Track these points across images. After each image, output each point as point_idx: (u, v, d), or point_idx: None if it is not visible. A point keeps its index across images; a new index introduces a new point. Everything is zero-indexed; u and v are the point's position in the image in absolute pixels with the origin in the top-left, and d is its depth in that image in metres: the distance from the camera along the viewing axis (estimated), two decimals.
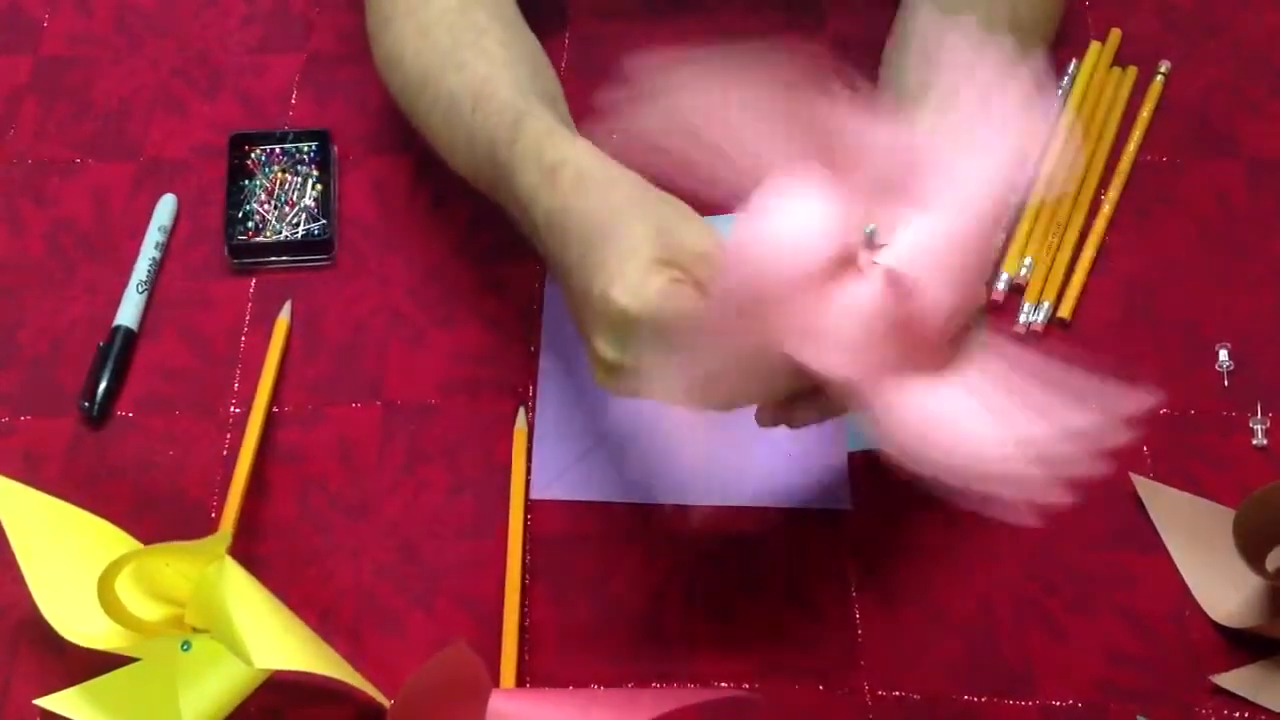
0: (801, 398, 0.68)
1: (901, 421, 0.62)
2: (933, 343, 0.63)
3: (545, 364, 0.87)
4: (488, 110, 0.78)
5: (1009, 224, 0.91)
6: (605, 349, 0.68)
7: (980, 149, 0.62)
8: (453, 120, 0.81)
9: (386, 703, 0.73)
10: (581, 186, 0.71)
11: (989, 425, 0.61)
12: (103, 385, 0.86)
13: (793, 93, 0.60)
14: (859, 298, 0.60)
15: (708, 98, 0.62)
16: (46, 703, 0.75)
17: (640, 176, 0.71)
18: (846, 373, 0.61)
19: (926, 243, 0.61)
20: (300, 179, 0.94)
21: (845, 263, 0.60)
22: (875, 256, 0.61)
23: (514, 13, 0.88)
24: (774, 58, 0.60)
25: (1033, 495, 0.60)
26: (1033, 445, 0.61)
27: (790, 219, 0.60)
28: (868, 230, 0.59)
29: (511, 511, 0.81)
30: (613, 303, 0.66)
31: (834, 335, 0.60)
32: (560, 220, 0.71)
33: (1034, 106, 0.63)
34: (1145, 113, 0.96)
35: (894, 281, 0.60)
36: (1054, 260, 0.90)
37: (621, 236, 0.67)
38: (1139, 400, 0.61)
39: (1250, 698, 0.75)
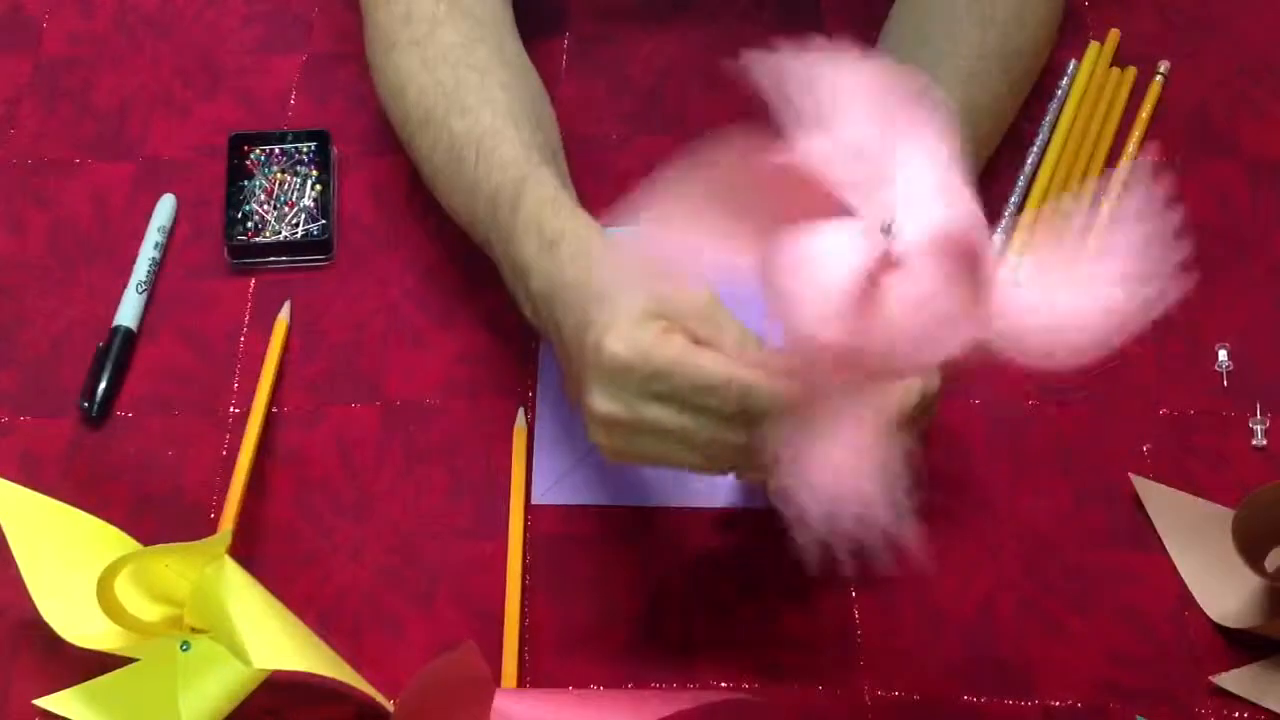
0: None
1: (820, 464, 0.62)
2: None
3: (545, 364, 0.87)
4: (490, 164, 0.79)
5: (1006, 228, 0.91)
6: (599, 402, 0.69)
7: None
8: (454, 166, 0.82)
9: (386, 703, 0.73)
10: (581, 260, 0.73)
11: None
12: (102, 385, 0.86)
13: (749, 173, 0.60)
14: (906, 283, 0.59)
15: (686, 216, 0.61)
16: (46, 703, 0.75)
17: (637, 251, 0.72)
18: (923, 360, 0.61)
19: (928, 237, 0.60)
20: (300, 179, 0.94)
21: (884, 264, 0.60)
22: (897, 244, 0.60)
23: (516, 48, 0.88)
24: (718, 143, 0.59)
25: (902, 543, 0.60)
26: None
27: (818, 247, 0.60)
28: (885, 224, 0.59)
29: (511, 512, 0.81)
30: (605, 351, 0.67)
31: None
32: (559, 288, 0.73)
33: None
34: (1145, 113, 0.96)
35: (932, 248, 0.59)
36: None
37: (616, 297, 0.69)
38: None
39: (1250, 698, 0.75)
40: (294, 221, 0.92)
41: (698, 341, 0.68)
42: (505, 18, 0.89)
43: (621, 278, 0.70)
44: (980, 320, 0.59)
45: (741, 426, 0.67)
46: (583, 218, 0.76)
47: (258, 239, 0.92)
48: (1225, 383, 0.86)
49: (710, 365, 0.66)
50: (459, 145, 0.81)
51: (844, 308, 0.58)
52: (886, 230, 0.58)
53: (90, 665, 0.75)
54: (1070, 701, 0.75)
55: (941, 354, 0.60)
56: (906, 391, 0.68)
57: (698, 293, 0.69)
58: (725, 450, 0.69)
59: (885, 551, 0.60)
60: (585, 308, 0.71)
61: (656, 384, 0.67)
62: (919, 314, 0.58)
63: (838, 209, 0.59)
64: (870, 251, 0.58)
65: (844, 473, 0.61)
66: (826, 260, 0.59)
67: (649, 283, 0.70)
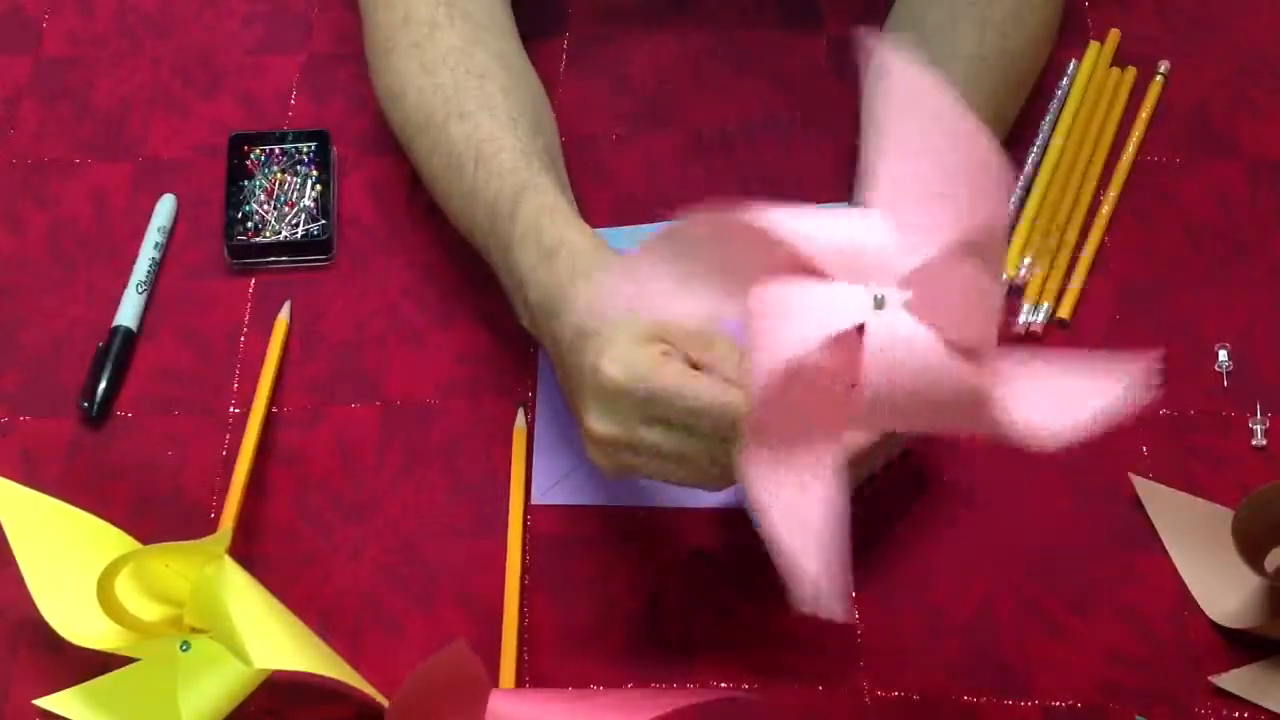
0: None
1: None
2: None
3: (545, 364, 0.87)
4: (489, 170, 0.79)
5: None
6: (597, 423, 0.70)
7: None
8: (452, 171, 0.82)
9: (386, 703, 0.73)
10: (577, 269, 0.73)
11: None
12: (102, 385, 0.86)
13: (731, 234, 0.60)
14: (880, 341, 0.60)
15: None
16: (46, 703, 0.75)
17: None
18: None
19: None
20: (300, 179, 0.94)
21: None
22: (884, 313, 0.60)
23: (516, 51, 0.88)
24: (695, 218, 0.60)
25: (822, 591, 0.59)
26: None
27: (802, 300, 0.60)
28: (877, 296, 0.59)
29: (511, 512, 0.81)
30: (603, 374, 0.68)
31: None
32: (557, 306, 0.73)
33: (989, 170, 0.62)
34: (1145, 113, 0.96)
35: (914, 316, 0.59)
36: (1053, 261, 0.90)
37: (613, 316, 0.69)
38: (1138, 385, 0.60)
39: (1250, 698, 0.75)
40: (294, 221, 0.92)
41: (693, 363, 0.69)
42: (505, 20, 0.89)
43: (618, 296, 0.70)
44: (962, 405, 0.59)
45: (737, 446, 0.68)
46: (581, 228, 0.76)
47: (258, 239, 0.92)
48: (1225, 383, 0.86)
49: (706, 390, 0.67)
50: (457, 150, 0.81)
51: (814, 359, 0.58)
52: (880, 304, 0.58)
53: (90, 665, 0.75)
54: (1070, 701, 0.75)
55: (914, 425, 0.60)
56: (853, 438, 0.69)
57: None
58: (722, 469, 0.69)
59: (808, 594, 0.58)
60: (582, 325, 0.71)
61: (653, 407, 0.68)
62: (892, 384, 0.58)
63: (812, 273, 0.59)
64: (849, 315, 0.58)
65: (786, 503, 0.61)
66: (804, 317, 0.59)
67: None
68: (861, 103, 0.89)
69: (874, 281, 0.58)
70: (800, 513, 0.60)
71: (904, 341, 0.58)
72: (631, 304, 0.64)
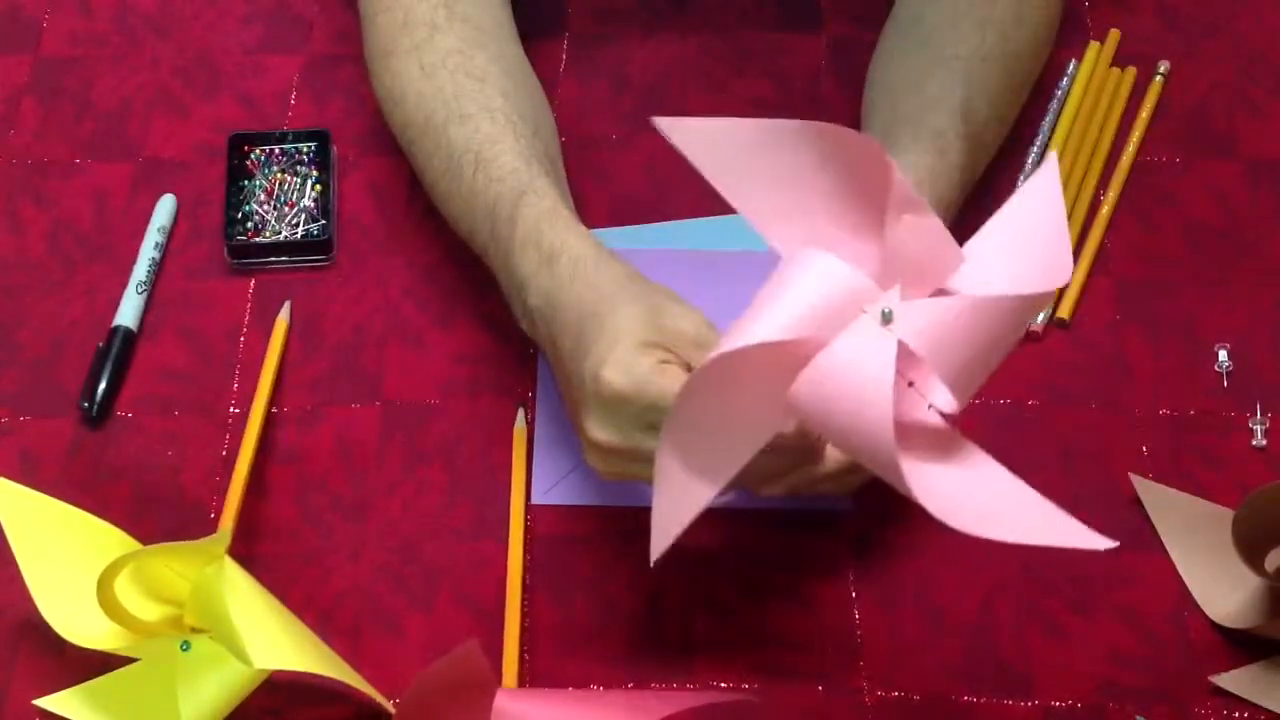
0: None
1: None
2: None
3: (545, 365, 0.87)
4: (489, 174, 0.79)
5: None
6: (596, 430, 0.70)
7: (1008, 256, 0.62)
8: (452, 174, 0.82)
9: (385, 703, 0.73)
10: (577, 274, 0.73)
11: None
12: (102, 385, 0.86)
13: (847, 164, 0.61)
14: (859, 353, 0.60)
15: (762, 154, 0.62)
16: (46, 703, 0.75)
17: (632, 266, 0.74)
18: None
19: (934, 331, 0.61)
20: (300, 179, 0.94)
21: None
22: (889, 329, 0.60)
23: (516, 54, 0.88)
24: (832, 130, 0.60)
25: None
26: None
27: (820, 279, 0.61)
28: (885, 310, 0.59)
29: (512, 512, 0.81)
30: (603, 382, 0.68)
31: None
32: (556, 307, 0.73)
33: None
34: (1145, 113, 0.96)
35: (903, 354, 0.60)
36: None
37: (612, 320, 0.70)
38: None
39: (1250, 698, 0.75)
40: (294, 221, 0.92)
41: (692, 370, 0.69)
42: (505, 23, 0.89)
43: (618, 302, 0.71)
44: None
45: None
46: (581, 232, 0.76)
47: (258, 239, 0.92)
48: (1225, 383, 0.86)
49: None
50: (457, 154, 0.81)
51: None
52: (887, 319, 0.59)
53: (90, 665, 0.75)
54: (1070, 701, 0.75)
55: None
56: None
57: (692, 318, 0.70)
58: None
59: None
60: (582, 331, 0.71)
61: (653, 415, 0.68)
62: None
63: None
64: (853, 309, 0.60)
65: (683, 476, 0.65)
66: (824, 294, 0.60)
67: (645, 299, 0.70)
68: (863, 104, 0.89)
69: (875, 300, 0.59)
70: (688, 490, 0.64)
71: (857, 365, 0.59)
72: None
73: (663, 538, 0.66)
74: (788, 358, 0.60)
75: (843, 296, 0.60)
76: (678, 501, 0.65)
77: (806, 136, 0.60)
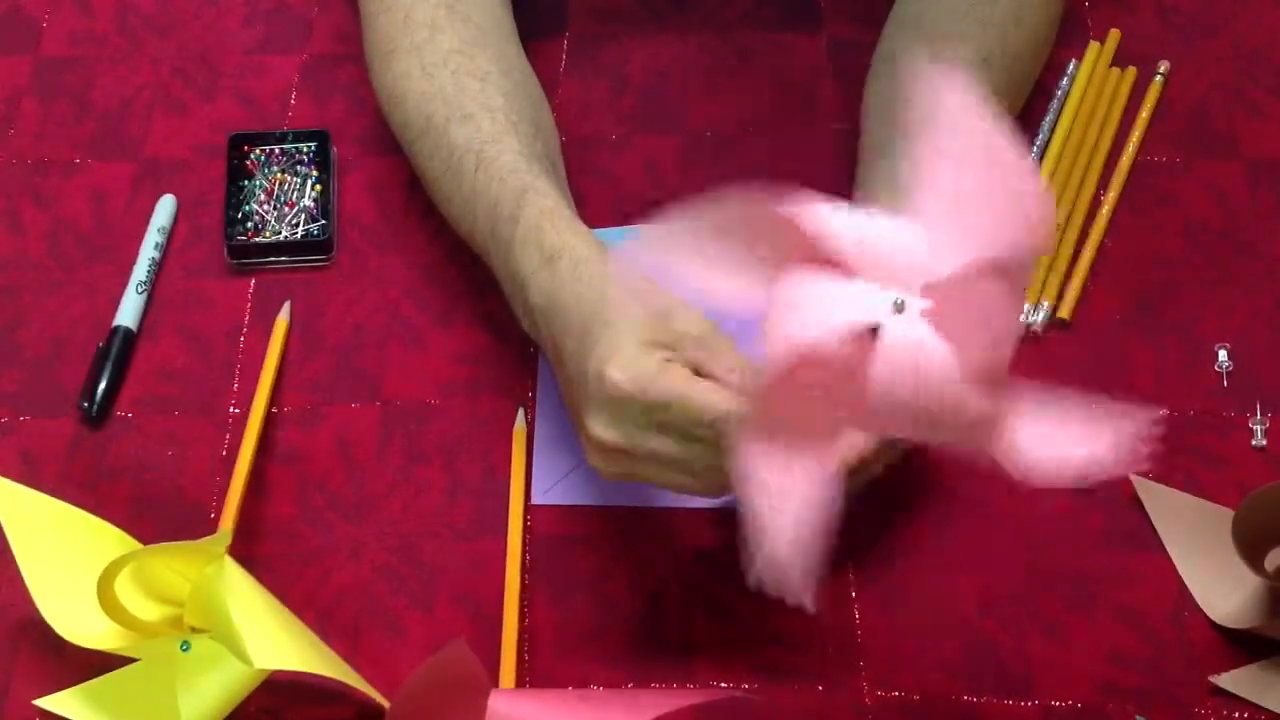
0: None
1: None
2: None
3: (545, 365, 0.87)
4: (490, 173, 0.79)
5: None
6: (599, 429, 0.70)
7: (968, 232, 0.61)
8: (453, 174, 0.82)
9: (385, 703, 0.73)
10: (579, 274, 0.73)
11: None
12: (102, 385, 0.86)
13: (763, 223, 0.60)
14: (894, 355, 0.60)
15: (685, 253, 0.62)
16: (46, 703, 0.75)
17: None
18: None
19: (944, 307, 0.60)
20: (300, 179, 0.94)
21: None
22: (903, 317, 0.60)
23: (516, 54, 0.88)
24: (730, 200, 0.60)
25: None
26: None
27: (819, 296, 0.60)
28: (896, 300, 0.59)
29: (511, 512, 0.81)
30: (607, 381, 0.68)
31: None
32: (558, 306, 0.73)
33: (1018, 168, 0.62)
34: (1145, 113, 0.96)
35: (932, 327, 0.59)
36: (1053, 261, 0.89)
37: (616, 320, 0.70)
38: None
39: (1250, 698, 0.75)
40: (294, 221, 0.92)
41: (695, 369, 0.69)
42: (505, 23, 0.89)
43: (621, 301, 0.71)
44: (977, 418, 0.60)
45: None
46: (582, 232, 0.76)
47: (258, 239, 0.92)
48: (1225, 383, 0.86)
49: (709, 398, 0.67)
50: (458, 153, 0.81)
51: (829, 353, 0.59)
52: (900, 308, 0.58)
53: (90, 665, 0.75)
54: (1070, 701, 0.75)
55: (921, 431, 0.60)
56: (850, 446, 0.69)
57: (695, 317, 0.70)
58: (722, 476, 0.69)
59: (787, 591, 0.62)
60: (585, 331, 0.71)
61: (656, 414, 0.68)
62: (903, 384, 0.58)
63: (837, 268, 0.60)
64: (867, 314, 0.59)
65: (777, 506, 0.63)
66: (824, 308, 0.59)
67: (647, 299, 0.70)
68: (863, 105, 0.89)
69: (897, 286, 0.59)
70: (788, 507, 0.62)
71: (914, 349, 0.58)
72: (651, 272, 0.65)
73: (784, 564, 0.63)
74: (829, 371, 0.60)
75: (846, 296, 0.60)
76: (785, 523, 0.62)
77: (694, 227, 0.60)
